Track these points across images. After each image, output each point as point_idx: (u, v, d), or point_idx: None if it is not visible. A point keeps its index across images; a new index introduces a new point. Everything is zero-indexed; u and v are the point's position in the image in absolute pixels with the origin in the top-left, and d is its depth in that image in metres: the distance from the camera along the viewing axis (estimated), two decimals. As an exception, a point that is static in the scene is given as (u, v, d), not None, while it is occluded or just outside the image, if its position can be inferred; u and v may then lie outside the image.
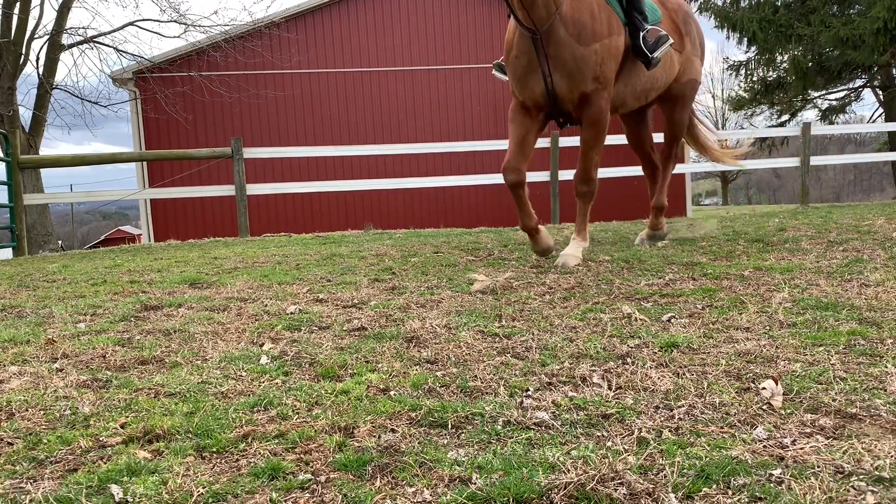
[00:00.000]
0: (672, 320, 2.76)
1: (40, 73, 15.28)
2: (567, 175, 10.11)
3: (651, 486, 1.38)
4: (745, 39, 19.32)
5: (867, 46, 16.01)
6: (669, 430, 1.67)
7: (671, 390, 1.95)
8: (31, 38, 15.41)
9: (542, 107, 4.43)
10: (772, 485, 1.37)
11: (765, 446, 1.56)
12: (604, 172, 10.57)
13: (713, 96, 46.67)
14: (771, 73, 21.53)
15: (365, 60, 16.10)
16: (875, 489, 1.35)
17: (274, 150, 12.18)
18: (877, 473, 1.41)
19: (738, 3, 19.87)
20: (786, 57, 20.10)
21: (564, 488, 1.36)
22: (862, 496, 1.32)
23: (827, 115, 23.54)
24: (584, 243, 4.60)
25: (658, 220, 5.57)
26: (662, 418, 1.76)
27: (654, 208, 5.54)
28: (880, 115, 23.03)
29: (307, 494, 1.42)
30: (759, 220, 7.07)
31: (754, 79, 22.03)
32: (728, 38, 20.01)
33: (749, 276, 3.63)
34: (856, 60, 16.96)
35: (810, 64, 18.48)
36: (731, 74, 22.63)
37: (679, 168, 16.69)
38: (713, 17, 19.60)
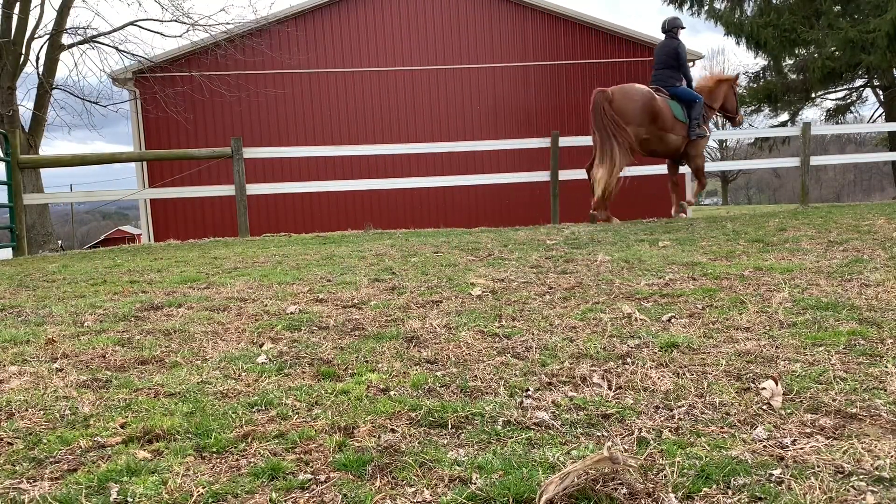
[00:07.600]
0: (672, 320, 2.76)
1: (40, 72, 15.26)
2: (567, 175, 10.11)
3: (651, 486, 1.38)
4: (754, 45, 19.29)
5: (880, 49, 15.90)
6: (669, 430, 1.67)
7: (671, 390, 1.95)
8: (31, 38, 15.36)
9: None
10: (772, 485, 1.37)
11: (765, 446, 1.56)
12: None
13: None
14: (781, 79, 21.50)
15: (365, 60, 16.10)
16: (875, 489, 1.35)
17: (274, 150, 12.16)
18: (877, 473, 1.40)
19: (742, 6, 19.85)
20: (791, 62, 20.09)
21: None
22: (862, 496, 1.32)
23: (830, 119, 23.58)
24: None
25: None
26: (662, 418, 1.76)
27: None
28: (880, 115, 23.01)
29: (307, 494, 1.42)
30: (759, 220, 7.06)
31: (760, 83, 22.02)
32: (738, 43, 20.00)
33: (749, 276, 3.63)
34: (868, 63, 16.82)
35: (820, 66, 18.40)
36: (745, 83, 22.57)
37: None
38: (722, 24, 19.58)
